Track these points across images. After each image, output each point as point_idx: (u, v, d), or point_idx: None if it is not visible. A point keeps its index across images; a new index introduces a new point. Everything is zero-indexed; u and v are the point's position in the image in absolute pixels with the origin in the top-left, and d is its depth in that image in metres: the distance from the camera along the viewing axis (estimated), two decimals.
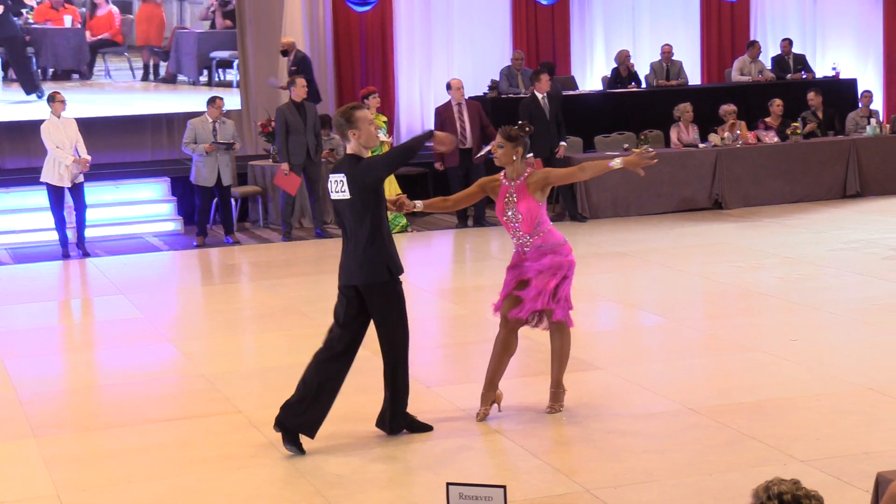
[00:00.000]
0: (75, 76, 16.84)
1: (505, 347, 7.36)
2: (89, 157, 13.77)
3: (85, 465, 6.90)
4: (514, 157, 7.14)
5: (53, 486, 6.49)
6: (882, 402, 7.37)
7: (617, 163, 7.08)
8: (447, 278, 12.72)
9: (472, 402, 7.53)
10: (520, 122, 7.38)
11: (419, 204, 7.30)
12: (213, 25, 17.51)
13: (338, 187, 6.81)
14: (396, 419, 7.09)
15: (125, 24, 17.06)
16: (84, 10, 16.90)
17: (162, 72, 17.37)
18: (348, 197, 6.80)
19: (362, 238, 6.83)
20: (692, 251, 12.87)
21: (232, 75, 17.54)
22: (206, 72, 17.49)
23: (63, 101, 13.82)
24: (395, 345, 7.04)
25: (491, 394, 7.37)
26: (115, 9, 17.02)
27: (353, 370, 8.60)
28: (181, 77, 17.44)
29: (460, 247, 14.29)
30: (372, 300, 6.91)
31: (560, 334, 7.35)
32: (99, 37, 16.99)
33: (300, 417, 6.84)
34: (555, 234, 7.26)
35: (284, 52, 16.93)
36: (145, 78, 17.31)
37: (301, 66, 16.48)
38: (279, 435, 6.96)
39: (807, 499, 3.24)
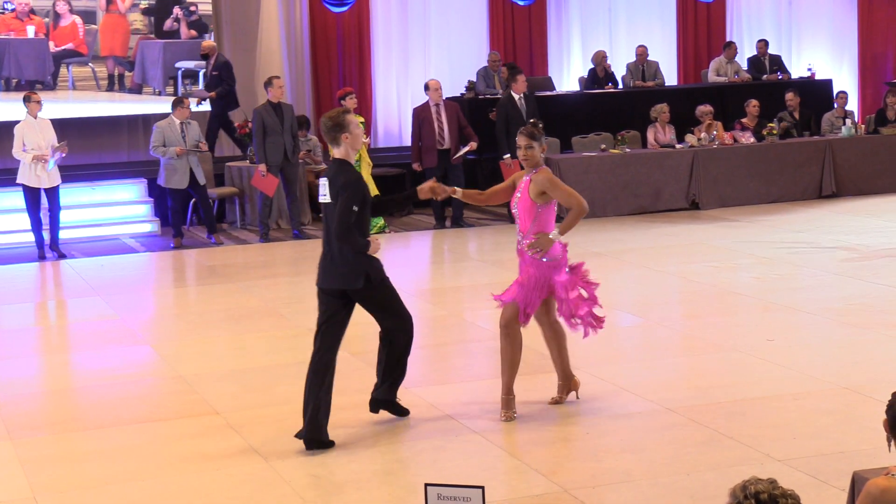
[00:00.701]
0: (39, 87, 16.66)
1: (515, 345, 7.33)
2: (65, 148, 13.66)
3: (62, 467, 6.88)
4: (543, 154, 7.29)
5: (30, 489, 6.46)
6: (858, 402, 7.40)
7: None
8: (425, 279, 12.72)
9: (451, 402, 7.53)
10: (531, 119, 7.58)
11: (458, 191, 7.44)
12: (177, 35, 17.42)
13: (323, 190, 6.91)
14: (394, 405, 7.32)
15: (89, 35, 16.96)
16: (47, 20, 16.78)
17: (127, 82, 17.27)
18: (329, 201, 6.83)
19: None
20: (669, 251, 12.90)
21: (198, 86, 17.45)
22: (171, 82, 17.39)
23: (39, 102, 13.75)
24: (394, 331, 7.24)
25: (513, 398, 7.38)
26: (78, 19, 16.89)
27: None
28: (146, 87, 17.33)
29: (438, 248, 14.29)
30: (362, 302, 7.05)
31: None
32: (63, 47, 16.88)
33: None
34: (555, 247, 7.20)
35: (205, 56, 16.74)
36: (110, 88, 17.19)
37: (223, 71, 16.35)
38: (257, 436, 6.95)
39: (783, 498, 3.25)
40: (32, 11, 16.64)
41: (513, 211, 7.33)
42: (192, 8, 17.37)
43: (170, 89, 17.30)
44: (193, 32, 17.47)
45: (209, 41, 16.93)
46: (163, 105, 16.70)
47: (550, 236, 7.11)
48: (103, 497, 6.37)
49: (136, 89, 17.30)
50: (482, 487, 3.99)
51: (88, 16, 17.03)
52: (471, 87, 17.30)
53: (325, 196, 6.94)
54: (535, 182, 7.15)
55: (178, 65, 17.43)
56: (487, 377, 8.22)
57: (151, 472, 6.68)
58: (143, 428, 7.52)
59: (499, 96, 16.33)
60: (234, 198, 15.68)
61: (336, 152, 6.99)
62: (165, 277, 13.24)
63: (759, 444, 6.68)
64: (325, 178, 6.96)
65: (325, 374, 6.92)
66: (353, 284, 6.94)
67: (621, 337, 9.72)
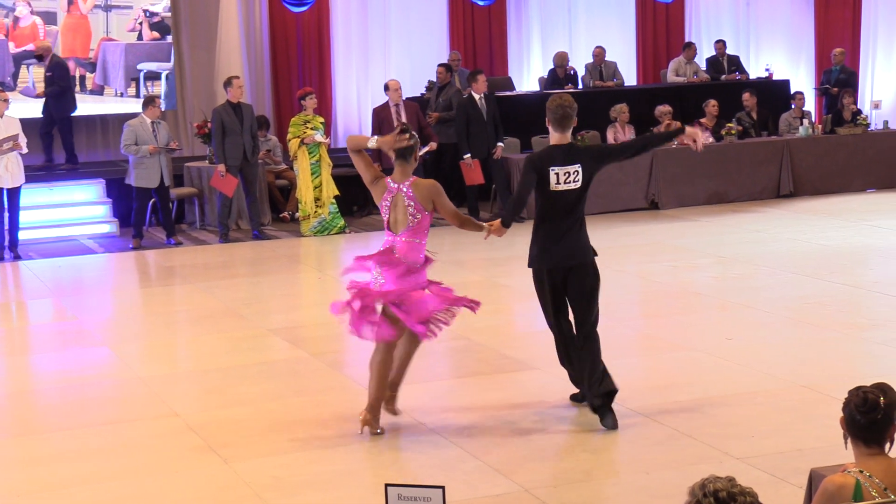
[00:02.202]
0: None
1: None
2: (22, 143, 13.48)
3: (20, 470, 6.83)
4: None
5: None
6: (816, 400, 7.46)
7: None
8: None
9: (410, 402, 7.53)
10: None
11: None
12: (139, 37, 17.31)
13: (570, 178, 7.21)
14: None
15: (49, 36, 16.80)
16: (7, 21, 16.64)
17: (88, 83, 17.15)
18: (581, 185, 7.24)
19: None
20: (628, 251, 12.95)
21: (160, 87, 17.35)
22: (133, 84, 17.28)
23: (6, 101, 13.58)
24: (594, 322, 7.39)
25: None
26: (38, 20, 16.76)
27: (294, 372, 8.60)
28: (108, 89, 17.22)
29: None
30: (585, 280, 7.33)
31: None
32: (22, 48, 16.74)
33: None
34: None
35: (39, 58, 16.35)
36: None
37: (56, 72, 16.13)
38: (217, 437, 6.93)
39: (741, 496, 3.27)
40: None
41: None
42: (155, 10, 17.26)
43: (132, 91, 17.18)
44: (156, 34, 17.36)
45: (43, 41, 16.51)
46: (126, 106, 16.62)
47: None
48: (63, 500, 6.33)
49: (98, 91, 17.18)
50: (443, 487, 3.99)
51: (49, 17, 16.89)
52: (431, 87, 17.30)
53: (576, 183, 7.15)
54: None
55: (140, 66, 17.32)
56: (447, 377, 8.24)
57: (111, 475, 6.65)
58: (103, 430, 7.47)
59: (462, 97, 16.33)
60: (194, 198, 15.61)
61: (563, 137, 7.18)
62: (124, 278, 13.16)
63: (717, 443, 6.72)
64: (574, 165, 7.10)
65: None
66: (589, 258, 7.28)
67: None
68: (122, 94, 17.23)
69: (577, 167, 7.08)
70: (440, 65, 16.70)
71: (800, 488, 5.53)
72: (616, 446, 6.80)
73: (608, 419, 7.02)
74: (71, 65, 16.87)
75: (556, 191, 7.09)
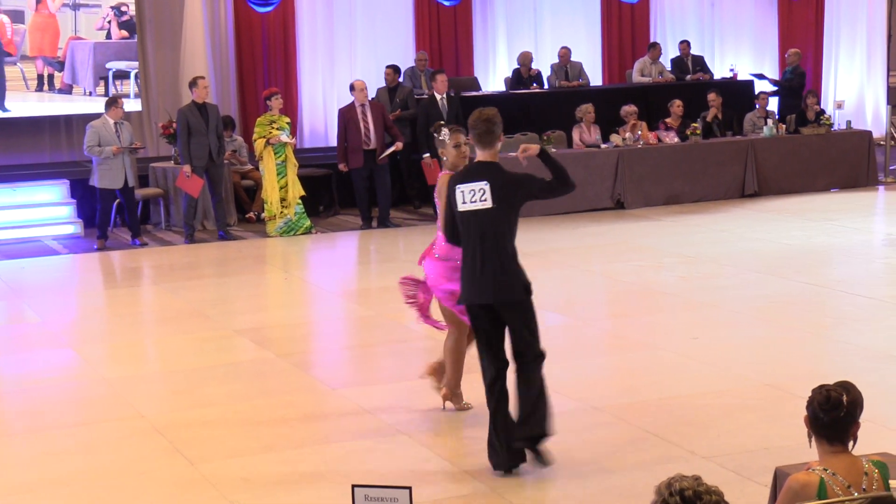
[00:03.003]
0: None
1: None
2: None
3: None
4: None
5: None
6: (781, 399, 7.51)
7: None
8: (352, 280, 12.69)
9: (377, 403, 7.53)
10: (440, 122, 7.41)
11: None
12: (108, 36, 17.21)
13: (476, 196, 6.36)
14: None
15: (17, 34, 16.69)
16: None
17: (57, 82, 17.04)
18: (490, 206, 6.33)
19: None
20: (594, 251, 12.99)
21: (129, 86, 17.25)
22: (102, 83, 17.17)
23: None
24: (537, 355, 6.61)
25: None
26: (5, 18, 16.61)
27: (260, 373, 8.59)
28: (77, 88, 17.10)
29: (365, 248, 14.27)
30: (515, 315, 6.54)
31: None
32: None
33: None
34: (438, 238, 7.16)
35: None
36: (39, 88, 16.94)
37: None
38: (184, 439, 6.90)
39: (707, 494, 3.29)
40: None
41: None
42: (124, 8, 17.16)
43: (100, 90, 17.07)
44: (125, 33, 17.26)
45: None
46: (91, 106, 16.51)
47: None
48: (26, 503, 6.28)
49: (67, 90, 17.06)
50: (409, 488, 3.99)
51: (17, 15, 16.75)
52: (380, 93, 17.21)
53: (483, 202, 6.29)
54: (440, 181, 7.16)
55: (108, 65, 17.21)
56: (415, 378, 8.23)
57: (76, 477, 6.61)
58: (67, 432, 7.42)
59: (425, 96, 16.34)
60: (159, 199, 15.54)
61: (487, 155, 6.50)
62: (89, 279, 13.08)
63: (684, 442, 6.75)
64: (480, 182, 6.32)
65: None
66: (517, 296, 6.39)
67: (547, 336, 9.72)
68: (90, 94, 17.11)
69: (484, 184, 6.26)
70: (387, 66, 16.70)
71: (765, 486, 5.56)
72: (582, 446, 6.82)
73: (538, 460, 6.45)
74: (39, 63, 16.77)
75: (463, 211, 6.33)
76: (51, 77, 17.01)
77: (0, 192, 14.94)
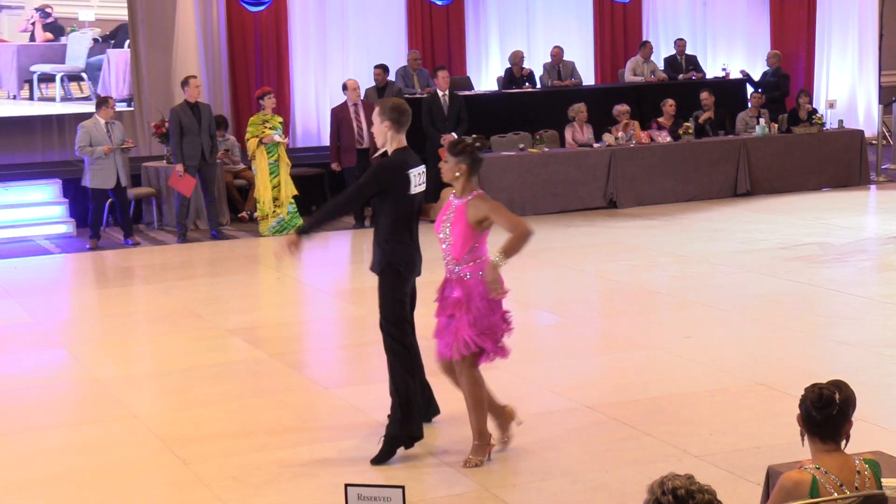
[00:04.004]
0: None
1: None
2: None
3: None
4: (458, 174, 6.41)
5: None
6: (773, 398, 7.52)
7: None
8: (345, 279, 12.68)
9: (370, 402, 7.52)
10: (474, 135, 6.70)
11: None
12: (32, 38, 17.07)
13: (420, 180, 6.73)
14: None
15: None
16: None
17: None
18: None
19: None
20: (587, 250, 12.99)
21: (54, 90, 17.08)
22: (27, 86, 16.99)
23: None
24: None
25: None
26: None
27: (253, 373, 8.57)
28: (1, 91, 16.87)
29: (357, 247, 14.26)
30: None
31: (460, 375, 6.62)
32: None
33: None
34: (477, 267, 6.52)
35: None
36: None
37: None
38: (176, 439, 6.89)
39: (700, 493, 3.29)
40: None
41: (439, 236, 6.53)
42: (49, 10, 16.97)
43: (25, 93, 16.89)
44: (49, 35, 17.07)
45: None
46: (17, 108, 16.33)
47: (497, 261, 6.36)
48: (18, 503, 6.27)
49: None
50: (402, 487, 3.99)
51: None
52: (370, 92, 17.22)
53: (422, 185, 6.71)
54: (474, 209, 6.41)
55: (33, 68, 17.02)
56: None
57: (68, 477, 6.60)
58: (60, 432, 7.42)
59: (417, 95, 16.35)
60: (152, 198, 15.52)
61: (404, 140, 6.71)
62: (81, 279, 13.07)
63: (676, 441, 6.76)
64: (420, 167, 6.69)
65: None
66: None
67: (540, 336, 9.78)
68: (14, 97, 16.93)
69: (422, 168, 6.72)
70: (376, 66, 16.69)
71: (757, 485, 5.56)
72: (575, 445, 6.82)
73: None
74: None
75: (414, 194, 6.65)
76: None
77: None
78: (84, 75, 17.21)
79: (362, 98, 15.21)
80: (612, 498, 6.00)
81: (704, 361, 8.41)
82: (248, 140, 14.53)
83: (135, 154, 15.81)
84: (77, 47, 17.08)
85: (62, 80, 17.06)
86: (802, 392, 4.11)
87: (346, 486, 4.02)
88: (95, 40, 17.24)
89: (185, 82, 14.47)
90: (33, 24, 16.87)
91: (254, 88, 17.12)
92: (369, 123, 14.89)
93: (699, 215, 14.94)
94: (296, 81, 18.48)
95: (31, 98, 16.56)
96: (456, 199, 6.50)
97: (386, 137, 6.71)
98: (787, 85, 18.57)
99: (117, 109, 16.25)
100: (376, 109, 6.77)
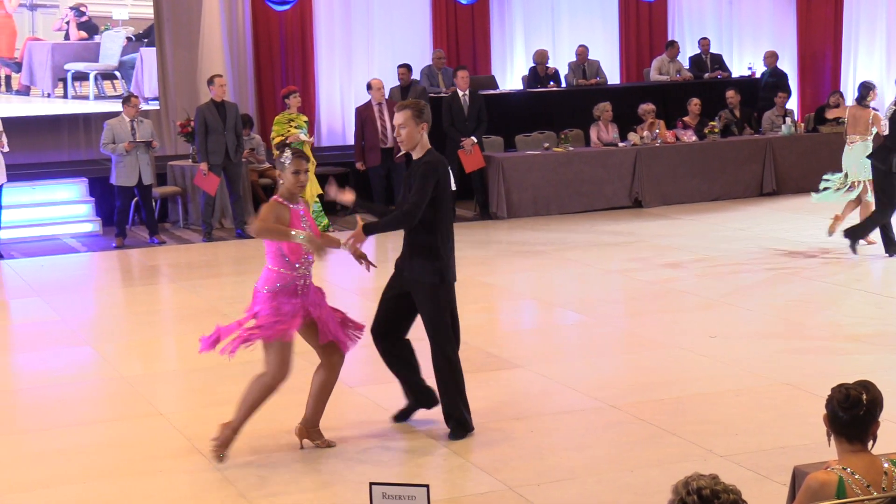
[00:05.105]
0: None
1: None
2: (4, 141, 13.49)
3: (2, 469, 6.80)
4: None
5: None
6: (798, 397, 7.49)
7: (300, 237, 6.63)
8: (369, 277, 12.67)
9: (395, 401, 7.52)
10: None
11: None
12: (66, 37, 17.18)
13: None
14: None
15: None
16: None
17: (14, 84, 16.92)
18: None
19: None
20: (611, 249, 12.97)
21: (88, 88, 17.18)
22: (61, 84, 17.09)
23: None
24: None
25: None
26: None
27: None
28: (35, 89, 17.02)
29: (382, 246, 14.27)
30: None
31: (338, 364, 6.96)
32: None
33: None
34: None
35: None
36: None
37: None
38: (202, 436, 6.91)
39: (725, 493, 3.28)
40: None
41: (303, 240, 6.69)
42: (83, 9, 17.08)
43: (59, 91, 17.00)
44: (83, 34, 17.17)
45: None
46: (51, 107, 16.43)
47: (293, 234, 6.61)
48: (44, 500, 6.30)
49: (25, 91, 16.94)
50: (427, 486, 3.99)
51: None
52: (394, 92, 17.24)
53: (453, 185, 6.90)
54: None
55: (67, 66, 17.14)
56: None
57: (94, 474, 6.63)
58: (86, 429, 7.45)
59: (442, 95, 16.35)
60: (177, 197, 15.58)
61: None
62: (107, 278, 13.12)
63: (701, 440, 6.74)
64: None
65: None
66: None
67: (564, 335, 9.77)
68: (49, 95, 17.04)
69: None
70: (400, 66, 16.70)
71: (783, 486, 5.54)
72: (600, 444, 6.81)
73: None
74: None
75: (450, 192, 6.85)
76: (8, 78, 16.89)
77: (19, 190, 14.99)
78: (117, 73, 17.32)
79: (386, 97, 15.22)
80: (637, 498, 5.99)
81: (729, 361, 8.39)
82: (273, 139, 14.56)
83: (160, 153, 15.87)
84: (110, 46, 17.21)
85: (96, 78, 17.17)
86: (829, 392, 4.09)
87: (371, 484, 4.02)
88: (129, 39, 17.36)
89: (210, 81, 14.51)
90: (68, 22, 17.00)
91: (279, 87, 17.15)
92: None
93: (725, 215, 14.90)
94: (321, 80, 18.51)
95: (64, 96, 16.69)
96: (298, 205, 6.80)
97: (421, 139, 6.76)
98: (785, 84, 18.38)
99: (150, 107, 16.33)
100: (407, 112, 6.76)
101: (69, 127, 17.12)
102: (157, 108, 17.32)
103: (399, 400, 7.42)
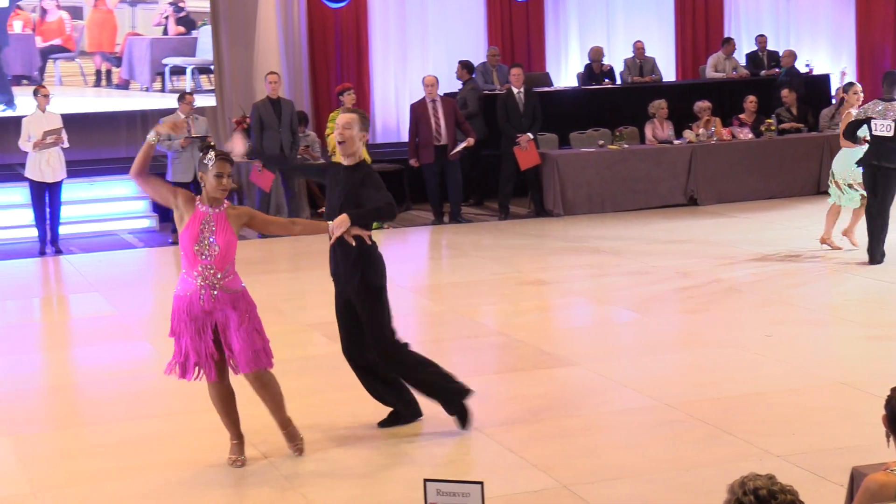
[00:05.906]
0: (25, 82, 16.48)
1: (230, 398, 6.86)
2: (64, 137, 13.72)
3: (60, 463, 6.88)
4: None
5: (29, 485, 6.46)
6: (856, 397, 7.41)
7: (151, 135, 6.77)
8: (423, 275, 12.72)
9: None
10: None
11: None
12: (165, 32, 17.37)
13: None
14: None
15: (76, 30, 16.88)
16: (34, 15, 16.69)
17: (114, 78, 17.21)
18: None
19: None
20: (667, 247, 12.90)
21: (185, 82, 17.37)
22: (159, 78, 17.32)
23: (47, 96, 13.85)
24: None
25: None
26: (65, 14, 16.79)
27: (333, 367, 8.59)
28: (134, 84, 17.27)
29: (436, 243, 14.30)
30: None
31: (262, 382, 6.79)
32: (49, 42, 16.81)
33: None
34: (238, 278, 6.85)
35: None
36: (97, 84, 17.11)
37: None
38: (255, 431, 6.96)
39: (782, 493, 3.26)
40: (19, 7, 16.56)
41: (194, 247, 6.75)
42: (182, 4, 17.31)
43: (157, 85, 17.22)
44: (182, 29, 17.40)
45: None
46: (149, 101, 16.66)
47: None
48: (101, 493, 6.37)
49: (124, 85, 17.22)
50: (481, 483, 3.99)
51: (76, 11, 16.93)
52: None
53: None
54: (235, 215, 6.73)
55: (165, 61, 17.36)
56: (486, 373, 8.23)
57: (150, 468, 6.69)
58: (142, 424, 7.52)
59: (496, 92, 16.33)
60: (233, 193, 15.67)
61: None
62: (164, 273, 13.23)
63: (757, 440, 6.69)
64: None
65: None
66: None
67: (619, 333, 9.74)
68: (147, 89, 17.27)
69: None
70: (459, 62, 16.70)
71: (841, 486, 5.49)
72: (655, 443, 6.78)
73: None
74: (97, 59, 16.95)
75: None
76: (108, 73, 17.16)
77: (77, 186, 15.16)
78: (213, 67, 17.53)
79: (441, 94, 15.22)
80: (692, 497, 5.95)
81: (786, 360, 8.32)
82: (328, 136, 14.61)
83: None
84: (207, 40, 17.44)
85: (192, 72, 17.37)
86: (888, 392, 4.05)
87: (426, 481, 4.03)
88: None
89: (265, 78, 14.60)
90: (166, 18, 17.25)
91: (334, 84, 17.21)
92: (447, 120, 14.92)
93: (781, 213, 14.79)
94: (376, 77, 18.55)
95: (162, 90, 16.90)
96: (207, 207, 6.65)
97: (359, 148, 6.97)
98: (799, 83, 18.07)
99: (205, 104, 16.46)
100: (355, 116, 6.92)
101: (126, 123, 17.27)
102: (213, 104, 17.44)
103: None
